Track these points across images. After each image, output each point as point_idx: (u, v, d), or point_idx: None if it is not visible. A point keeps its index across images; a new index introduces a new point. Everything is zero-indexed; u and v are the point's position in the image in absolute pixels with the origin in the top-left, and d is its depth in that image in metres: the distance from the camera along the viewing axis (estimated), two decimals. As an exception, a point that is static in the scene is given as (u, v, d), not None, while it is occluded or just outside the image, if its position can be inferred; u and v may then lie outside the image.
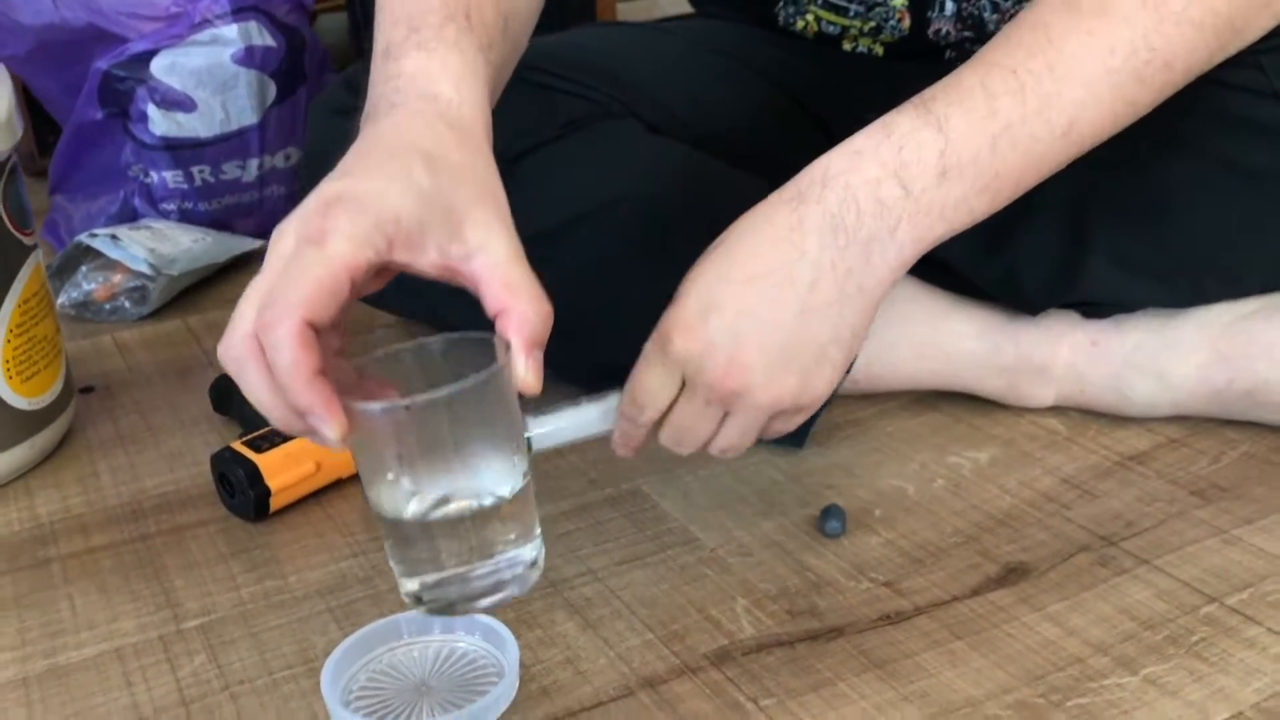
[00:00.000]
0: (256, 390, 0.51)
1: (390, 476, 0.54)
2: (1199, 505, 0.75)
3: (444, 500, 0.54)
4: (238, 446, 0.78)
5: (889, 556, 0.71)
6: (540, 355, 0.53)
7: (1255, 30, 0.66)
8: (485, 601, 0.56)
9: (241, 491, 0.76)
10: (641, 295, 0.73)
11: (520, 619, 0.67)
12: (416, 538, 0.55)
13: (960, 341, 0.84)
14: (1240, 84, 0.76)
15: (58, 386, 0.86)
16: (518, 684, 0.62)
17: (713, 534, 0.74)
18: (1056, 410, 0.86)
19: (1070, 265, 0.80)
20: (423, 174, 0.53)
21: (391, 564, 0.57)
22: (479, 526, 0.55)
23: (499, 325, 0.53)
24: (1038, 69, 0.60)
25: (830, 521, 0.73)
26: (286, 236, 0.51)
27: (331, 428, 0.49)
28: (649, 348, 0.62)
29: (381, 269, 0.52)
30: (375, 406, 0.51)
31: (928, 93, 0.61)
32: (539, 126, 0.86)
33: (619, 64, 0.94)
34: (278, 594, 0.70)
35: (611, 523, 0.76)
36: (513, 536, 0.56)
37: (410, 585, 0.56)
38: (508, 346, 0.53)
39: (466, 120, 0.58)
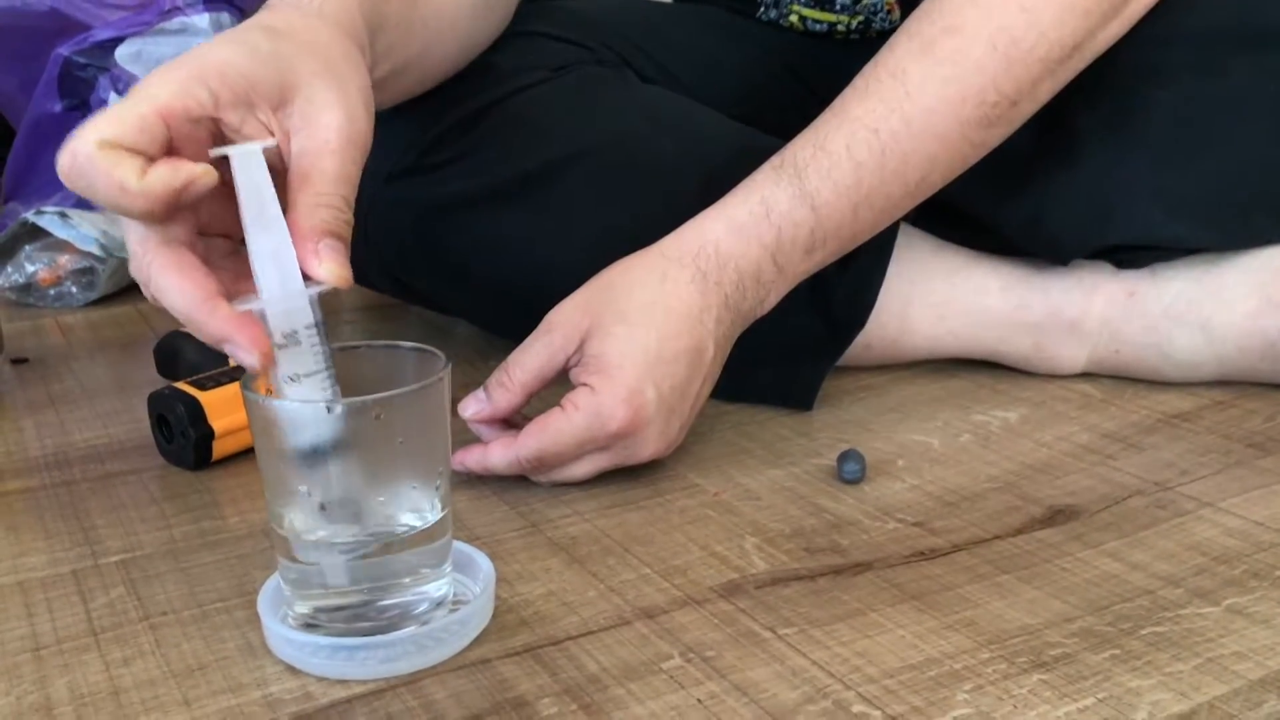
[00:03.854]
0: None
1: (299, 487, 0.47)
2: (1259, 456, 0.67)
3: (353, 523, 0.48)
4: (180, 385, 0.69)
5: (917, 500, 0.63)
6: (334, 244, 0.47)
7: (1100, 48, 0.67)
8: (383, 638, 0.48)
9: (181, 433, 0.67)
10: (632, 233, 0.67)
11: (494, 554, 0.57)
12: (316, 560, 0.48)
13: (983, 297, 0.77)
14: None
15: (-17, 336, 0.77)
16: (492, 609, 0.52)
17: (715, 480, 0.66)
18: (1087, 377, 0.78)
19: (1103, 206, 0.73)
20: (260, 39, 0.51)
21: (283, 584, 0.50)
22: (387, 556, 0.49)
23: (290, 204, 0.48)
24: (896, 126, 0.63)
25: (848, 464, 0.65)
26: None
27: (195, 176, 0.46)
28: (579, 416, 0.61)
29: (219, 127, 0.49)
30: (295, 402, 0.46)
31: (801, 157, 0.64)
32: (530, 69, 0.81)
33: (610, 21, 0.90)
34: (215, 533, 0.61)
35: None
36: (423, 571, 0.50)
37: (303, 609, 0.50)
38: (446, 361, 0.49)
39: (327, 14, 0.57)
